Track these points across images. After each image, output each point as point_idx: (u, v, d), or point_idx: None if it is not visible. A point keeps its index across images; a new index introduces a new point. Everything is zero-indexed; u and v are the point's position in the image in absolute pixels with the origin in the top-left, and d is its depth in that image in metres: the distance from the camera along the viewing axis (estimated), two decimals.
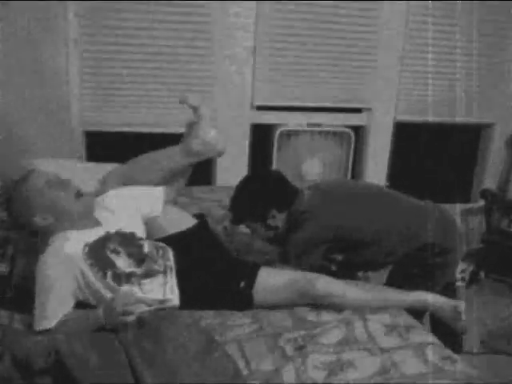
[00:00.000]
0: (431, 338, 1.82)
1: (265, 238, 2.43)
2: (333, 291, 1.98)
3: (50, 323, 1.73)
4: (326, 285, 1.99)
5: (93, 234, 1.88)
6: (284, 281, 2.01)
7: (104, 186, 2.14)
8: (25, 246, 2.12)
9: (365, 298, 1.98)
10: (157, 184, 2.18)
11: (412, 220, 2.28)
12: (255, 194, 2.30)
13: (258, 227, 2.34)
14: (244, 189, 2.33)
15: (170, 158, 2.20)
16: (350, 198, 2.32)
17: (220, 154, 2.26)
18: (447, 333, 2.28)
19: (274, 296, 2.00)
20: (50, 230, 1.89)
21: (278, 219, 2.29)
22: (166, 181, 2.22)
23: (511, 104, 3.93)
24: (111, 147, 3.35)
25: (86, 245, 1.83)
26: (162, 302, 1.88)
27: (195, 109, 2.20)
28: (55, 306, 1.76)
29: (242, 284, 2.00)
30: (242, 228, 2.51)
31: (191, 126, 2.23)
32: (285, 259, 2.32)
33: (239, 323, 1.88)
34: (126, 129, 3.30)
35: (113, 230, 1.92)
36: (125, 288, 1.79)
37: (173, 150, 2.21)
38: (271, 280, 2.02)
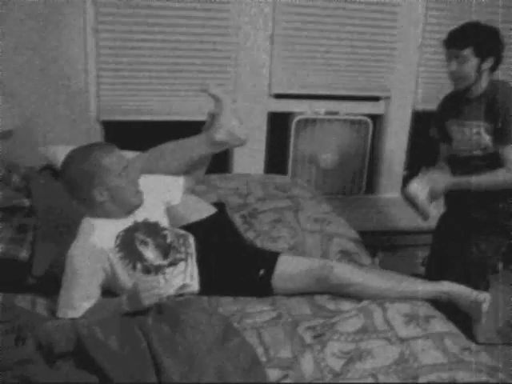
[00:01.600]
0: (451, 328, 1.81)
1: (460, 78, 2.36)
2: (351, 279, 1.98)
3: (76, 314, 1.76)
4: (344, 273, 2.00)
5: (122, 224, 1.88)
6: (303, 269, 2.01)
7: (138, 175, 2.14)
8: (45, 232, 2.15)
9: (384, 287, 1.97)
10: (177, 173, 2.19)
11: None
12: (495, 30, 2.31)
13: (472, 65, 2.29)
14: (481, 23, 2.32)
15: (192, 147, 2.19)
16: None
17: (243, 143, 2.25)
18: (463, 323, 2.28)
19: (292, 284, 2.00)
20: (94, 208, 1.89)
21: (486, 72, 2.33)
22: (186, 170, 2.22)
23: None
24: (129, 136, 3.36)
25: (117, 236, 1.84)
26: (181, 287, 1.90)
27: (217, 99, 2.19)
28: (82, 298, 1.78)
29: (262, 272, 2.01)
30: None
31: (213, 115, 2.22)
32: None
33: (258, 310, 1.89)
34: (143, 117, 3.30)
35: (139, 219, 1.92)
36: (149, 277, 1.80)
37: (195, 139, 2.21)
38: (290, 268, 2.02)
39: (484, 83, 2.33)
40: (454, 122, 2.46)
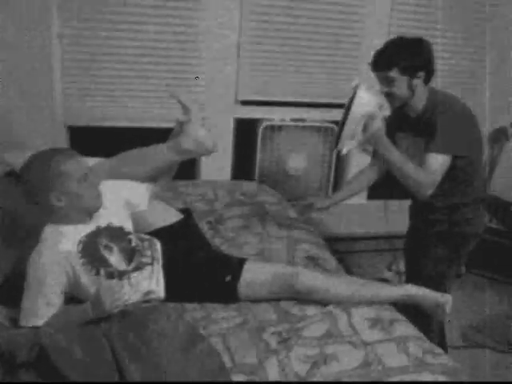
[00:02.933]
0: (414, 332, 1.84)
1: (395, 99, 2.27)
2: (316, 286, 1.99)
3: (39, 321, 1.72)
4: (309, 279, 2.00)
5: (85, 229, 1.87)
6: (269, 275, 2.02)
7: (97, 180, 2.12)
8: (6, 239, 2.11)
9: (349, 293, 1.99)
10: (143, 179, 2.17)
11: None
12: (419, 44, 2.21)
13: (402, 82, 2.19)
14: (405, 39, 2.22)
15: (159, 154, 2.18)
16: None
17: (209, 153, 2.25)
18: (429, 327, 2.32)
19: (258, 290, 2.01)
20: (53, 213, 1.86)
21: (420, 87, 2.22)
22: (152, 176, 2.21)
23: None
24: (95, 142, 3.33)
25: (79, 242, 1.82)
26: (147, 293, 1.89)
27: (185, 107, 2.19)
28: (45, 305, 1.75)
29: (228, 278, 2.01)
30: None
31: (181, 124, 2.22)
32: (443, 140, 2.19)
33: (224, 316, 1.89)
34: (109, 123, 3.28)
35: (103, 225, 1.91)
36: (111, 282, 1.78)
37: (162, 147, 2.19)
38: (256, 274, 2.02)
39: (421, 98, 2.25)
40: (402, 135, 2.42)
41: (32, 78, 3.03)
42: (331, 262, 2.40)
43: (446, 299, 2.00)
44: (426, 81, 2.23)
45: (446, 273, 2.46)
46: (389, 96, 2.24)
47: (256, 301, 2.00)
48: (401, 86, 2.20)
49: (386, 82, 2.22)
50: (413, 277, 2.50)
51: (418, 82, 2.20)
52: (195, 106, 2.19)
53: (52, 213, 1.87)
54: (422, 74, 2.19)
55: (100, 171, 2.17)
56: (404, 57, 2.17)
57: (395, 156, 2.20)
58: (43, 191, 1.82)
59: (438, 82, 2.42)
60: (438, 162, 2.18)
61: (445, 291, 2.17)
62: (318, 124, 3.59)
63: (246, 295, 2.01)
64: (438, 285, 2.25)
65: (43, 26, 2.97)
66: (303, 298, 1.99)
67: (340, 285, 2.02)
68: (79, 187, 1.84)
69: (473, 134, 2.28)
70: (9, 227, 2.13)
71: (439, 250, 2.42)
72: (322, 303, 1.97)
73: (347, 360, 1.67)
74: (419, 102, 2.26)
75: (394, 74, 2.18)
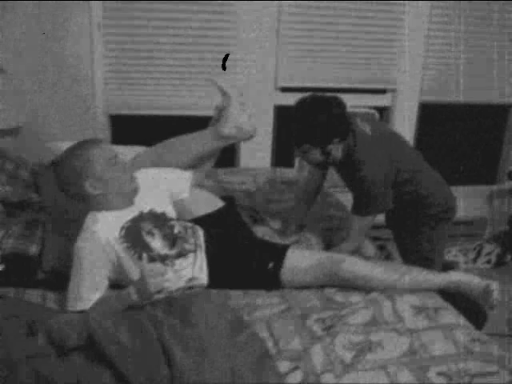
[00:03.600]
0: (461, 320, 1.81)
1: (314, 163, 2.34)
2: (359, 273, 1.97)
3: (85, 305, 1.76)
4: (352, 266, 1.99)
5: (126, 215, 1.90)
6: (311, 262, 2.01)
7: (133, 169, 2.15)
8: (54, 227, 2.15)
9: (393, 279, 1.96)
10: (185, 167, 2.19)
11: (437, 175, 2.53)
12: (323, 116, 2.11)
13: (316, 154, 2.19)
14: (310, 110, 2.14)
15: (200, 141, 2.19)
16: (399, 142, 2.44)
17: (251, 137, 2.25)
18: (470, 312, 2.28)
19: (301, 277, 2.00)
20: (93, 201, 1.91)
21: (338, 149, 2.18)
22: (194, 164, 2.22)
23: None
24: (137, 131, 3.37)
25: (122, 227, 1.85)
26: (190, 280, 1.91)
27: (224, 93, 2.19)
28: (90, 289, 1.79)
29: (271, 265, 2.01)
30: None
31: (221, 109, 2.22)
32: (361, 204, 2.28)
33: (267, 303, 1.89)
34: (150, 112, 3.31)
35: (145, 210, 1.93)
36: (153, 265, 1.81)
37: (203, 133, 2.21)
38: (299, 261, 2.02)
39: (337, 155, 2.21)
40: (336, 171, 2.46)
41: (73, 67, 3.08)
42: (371, 249, 2.39)
43: (494, 286, 1.96)
44: (343, 140, 2.18)
45: (431, 252, 2.53)
46: (305, 159, 2.29)
47: (299, 288, 1.99)
48: (314, 155, 2.20)
49: (301, 151, 2.22)
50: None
51: (332, 147, 2.17)
52: (234, 92, 2.19)
53: (91, 201, 1.91)
54: (335, 140, 2.15)
55: (143, 160, 2.19)
56: (314, 135, 2.14)
57: (353, 243, 2.31)
58: (77, 182, 1.88)
59: None
60: (362, 225, 2.31)
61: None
62: (358, 110, 3.54)
63: (289, 282, 2.01)
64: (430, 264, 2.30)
65: (84, 15, 3.01)
66: (347, 284, 1.98)
67: (384, 271, 1.99)
68: (110, 171, 1.89)
69: (396, 164, 2.29)
70: (56, 216, 2.18)
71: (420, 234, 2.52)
72: (366, 290, 1.96)
73: (392, 347, 1.65)
74: (337, 155, 2.22)
75: (305, 148, 2.18)
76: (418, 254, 2.52)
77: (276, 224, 2.54)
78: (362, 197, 2.27)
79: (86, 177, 1.86)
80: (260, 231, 2.41)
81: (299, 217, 2.56)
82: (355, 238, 2.29)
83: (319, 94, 2.20)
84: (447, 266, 3.10)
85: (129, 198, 1.96)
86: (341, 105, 2.16)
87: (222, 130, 2.16)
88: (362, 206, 2.28)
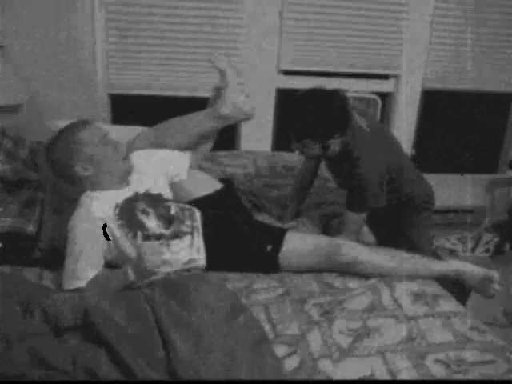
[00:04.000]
0: (459, 308, 1.80)
1: (311, 157, 2.36)
2: (358, 257, 1.96)
3: (81, 283, 1.75)
4: (351, 251, 1.98)
5: (121, 194, 1.89)
6: (310, 246, 2.00)
7: (131, 149, 2.13)
8: (52, 206, 2.14)
9: (392, 265, 1.96)
10: (184, 148, 2.18)
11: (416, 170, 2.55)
12: (326, 111, 2.08)
13: (315, 148, 2.17)
14: (313, 104, 2.09)
15: (198, 122, 2.18)
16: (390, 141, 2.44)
17: (249, 117, 2.23)
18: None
19: (299, 261, 1.99)
20: (85, 182, 1.92)
21: (337, 143, 2.16)
22: (193, 145, 2.21)
23: None
24: (136, 110, 3.34)
25: (116, 205, 1.85)
26: (188, 262, 1.90)
27: (223, 72, 2.17)
28: (86, 267, 1.78)
29: (269, 248, 2.00)
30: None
31: (218, 90, 2.21)
32: (355, 200, 2.27)
33: (265, 287, 1.88)
34: (150, 92, 3.28)
35: (141, 191, 1.92)
36: (150, 243, 1.80)
37: (201, 114, 2.19)
38: (297, 245, 2.01)
39: (335, 150, 2.19)
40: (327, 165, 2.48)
41: (74, 46, 3.05)
42: (369, 235, 2.39)
43: (493, 275, 1.95)
44: (343, 134, 2.15)
45: (418, 239, 2.54)
46: (303, 153, 2.27)
47: (298, 272, 1.98)
48: (315, 148, 2.16)
49: (300, 145, 2.18)
50: None
51: (333, 142, 2.14)
52: (231, 71, 2.18)
53: (83, 183, 1.92)
54: (336, 135, 2.12)
55: (142, 141, 2.18)
56: (317, 130, 2.10)
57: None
58: (67, 165, 1.89)
59: None
60: (355, 221, 2.28)
61: None
62: (360, 95, 3.52)
63: (287, 265, 2.00)
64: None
65: None
66: (345, 270, 1.97)
67: (383, 257, 1.98)
68: (101, 151, 1.89)
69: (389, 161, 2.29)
70: (54, 195, 2.17)
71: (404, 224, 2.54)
72: (365, 276, 1.95)
73: (390, 334, 1.64)
74: (335, 150, 2.20)
75: (306, 142, 2.15)
76: (405, 243, 2.47)
77: (275, 210, 2.54)
78: (357, 193, 2.25)
79: (77, 160, 1.87)
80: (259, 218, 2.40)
81: (296, 205, 2.56)
82: (348, 235, 2.25)
83: (320, 87, 2.15)
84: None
85: (122, 177, 1.95)
86: (343, 99, 2.14)
87: (220, 109, 2.14)
88: (357, 203, 2.26)
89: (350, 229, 2.27)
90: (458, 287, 2.11)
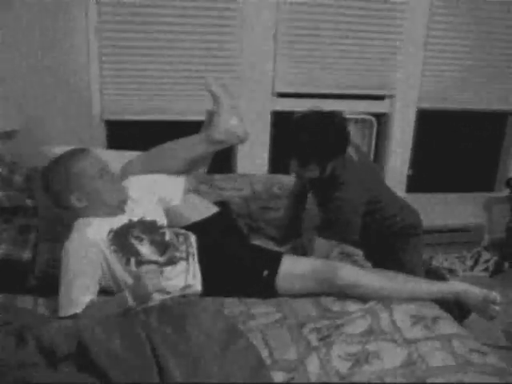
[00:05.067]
0: (459, 330, 1.78)
1: (307, 179, 2.35)
2: (356, 281, 1.94)
3: (77, 309, 1.74)
4: (349, 274, 1.96)
5: (115, 221, 1.88)
6: (307, 270, 1.98)
7: (125, 174, 2.13)
8: (47, 233, 2.13)
9: (391, 287, 1.94)
10: (178, 172, 2.17)
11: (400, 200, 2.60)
12: (331, 133, 2.10)
13: (316, 170, 2.19)
14: (316, 126, 2.11)
15: (192, 146, 2.18)
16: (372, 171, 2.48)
17: (242, 141, 2.23)
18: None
19: (297, 285, 1.97)
20: (79, 212, 1.91)
21: (333, 167, 2.19)
22: (186, 169, 2.20)
23: None
24: (132, 136, 3.34)
25: (110, 231, 1.84)
26: (183, 288, 1.88)
27: (216, 96, 2.18)
28: (81, 293, 1.76)
29: (265, 273, 1.98)
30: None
31: (212, 114, 2.21)
32: (327, 226, 2.27)
33: (263, 312, 1.87)
34: (145, 117, 3.28)
35: (135, 218, 1.91)
36: (148, 267, 1.79)
37: (194, 138, 2.19)
38: (294, 269, 1.99)
39: (328, 172, 2.23)
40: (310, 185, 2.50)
41: (69, 71, 3.05)
42: (365, 262, 2.35)
43: (494, 296, 1.93)
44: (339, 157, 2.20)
45: (410, 263, 2.54)
46: (299, 175, 2.31)
47: (295, 296, 1.97)
48: (315, 169, 2.19)
49: (303, 169, 2.21)
50: None
51: (330, 164, 2.18)
52: (226, 95, 2.18)
53: (77, 212, 1.92)
54: (335, 159, 2.17)
55: (135, 165, 2.17)
56: (322, 152, 2.13)
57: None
58: (63, 196, 1.89)
59: None
60: (325, 244, 2.28)
61: None
62: (356, 116, 3.53)
63: (284, 290, 1.98)
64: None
65: (81, 20, 2.98)
66: (344, 293, 1.95)
67: (381, 280, 1.97)
68: (96, 184, 1.88)
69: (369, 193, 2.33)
70: (49, 222, 2.16)
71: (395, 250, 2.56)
72: (363, 299, 1.93)
73: (390, 358, 1.62)
74: (328, 171, 2.23)
75: (311, 165, 2.17)
76: (398, 268, 2.41)
77: (272, 232, 2.53)
78: (331, 219, 2.26)
79: (73, 190, 1.87)
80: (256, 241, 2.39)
81: (293, 226, 2.58)
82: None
83: (318, 109, 2.18)
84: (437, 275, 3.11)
85: (117, 207, 1.94)
86: (343, 120, 2.16)
87: (212, 134, 2.14)
88: (328, 228, 2.27)
89: (316, 254, 2.25)
90: (457, 308, 2.10)
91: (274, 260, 2.03)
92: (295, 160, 2.18)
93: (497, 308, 1.94)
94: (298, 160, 2.17)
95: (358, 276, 1.96)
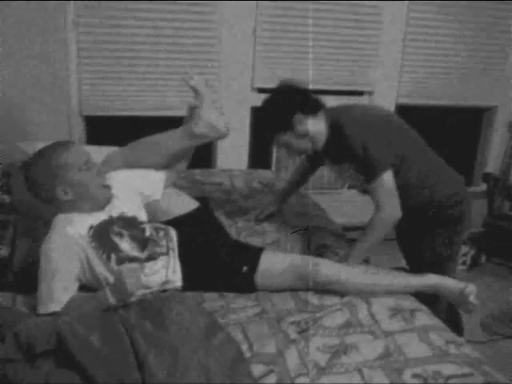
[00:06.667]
0: (436, 322, 1.80)
1: (302, 153, 2.32)
2: (335, 276, 1.95)
3: (56, 306, 1.72)
4: (328, 270, 1.97)
5: (95, 217, 1.87)
6: (286, 265, 1.99)
7: (105, 169, 2.12)
8: (25, 229, 2.11)
9: (368, 282, 1.95)
10: (158, 167, 2.16)
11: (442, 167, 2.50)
12: (277, 101, 2.16)
13: (291, 138, 2.15)
14: (266, 102, 2.19)
15: (172, 140, 2.17)
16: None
17: (223, 136, 2.23)
18: (448, 316, 2.28)
19: (276, 280, 1.98)
20: (63, 206, 1.89)
21: (305, 123, 2.13)
22: (167, 164, 2.20)
23: None
24: (110, 131, 3.33)
25: (90, 227, 1.83)
26: (164, 283, 1.88)
27: (197, 91, 2.18)
28: (61, 289, 1.75)
29: (245, 268, 1.99)
30: None
31: (193, 108, 2.21)
32: (367, 170, 2.12)
33: (242, 306, 1.87)
34: (125, 113, 3.27)
35: (115, 214, 1.90)
36: (129, 265, 1.78)
37: (175, 132, 2.19)
38: (273, 264, 2.00)
39: (320, 133, 2.17)
40: (328, 163, 2.38)
41: (47, 67, 3.03)
42: (345, 250, 2.37)
43: (471, 289, 1.96)
44: (312, 114, 2.15)
45: (446, 256, 2.38)
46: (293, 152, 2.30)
47: (274, 290, 1.97)
48: (291, 138, 2.17)
49: (278, 143, 2.23)
50: (414, 267, 2.44)
51: (299, 127, 2.13)
52: (206, 90, 2.18)
53: (61, 205, 1.89)
54: (297, 116, 2.11)
55: (115, 160, 2.16)
56: (273, 125, 2.16)
57: (361, 250, 2.17)
58: (48, 188, 1.85)
59: None
60: (383, 186, 2.10)
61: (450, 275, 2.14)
62: None
63: (264, 285, 1.99)
64: (441, 270, 2.20)
65: (59, 14, 2.96)
66: (321, 288, 1.96)
67: (359, 274, 1.98)
68: (82, 176, 1.86)
69: (388, 137, 2.16)
70: (27, 218, 2.14)
71: (432, 237, 2.35)
72: (342, 293, 1.94)
73: (368, 350, 1.64)
74: (319, 136, 2.19)
75: (279, 136, 2.17)
76: (433, 257, 2.37)
77: (252, 215, 2.58)
78: (362, 164, 2.11)
79: (58, 182, 1.84)
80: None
81: (284, 194, 2.65)
82: (373, 234, 2.15)
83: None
84: None
85: (101, 204, 1.93)
86: (295, 85, 2.20)
87: (193, 128, 2.14)
88: (369, 172, 2.10)
89: (381, 200, 2.10)
90: (434, 300, 2.12)
91: (254, 256, 2.03)
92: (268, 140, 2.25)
93: (474, 301, 1.97)
94: (268, 138, 2.22)
95: (336, 271, 1.97)
